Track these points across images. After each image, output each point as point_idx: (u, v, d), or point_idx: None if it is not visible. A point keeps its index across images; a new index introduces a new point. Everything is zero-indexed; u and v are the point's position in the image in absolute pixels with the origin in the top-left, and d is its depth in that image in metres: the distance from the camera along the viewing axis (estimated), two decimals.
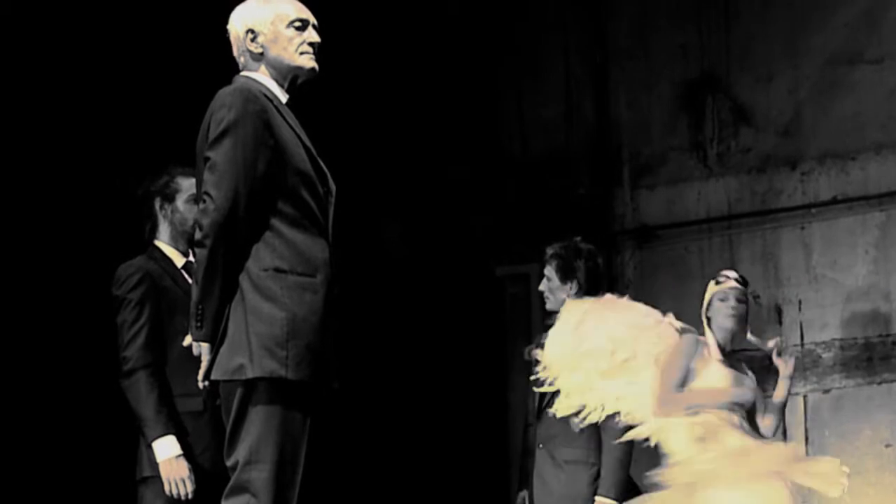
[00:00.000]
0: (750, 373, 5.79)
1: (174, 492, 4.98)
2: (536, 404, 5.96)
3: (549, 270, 6.04)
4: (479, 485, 7.91)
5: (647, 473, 5.48)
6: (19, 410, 6.51)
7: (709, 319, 5.73)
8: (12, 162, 6.59)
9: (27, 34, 6.71)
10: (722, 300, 5.69)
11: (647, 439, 5.49)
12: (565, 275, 5.99)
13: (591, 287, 5.97)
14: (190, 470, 5.01)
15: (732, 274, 5.78)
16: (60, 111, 6.74)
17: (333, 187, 4.23)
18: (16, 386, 6.47)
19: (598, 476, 5.79)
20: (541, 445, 5.90)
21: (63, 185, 6.74)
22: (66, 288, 6.58)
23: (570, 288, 5.97)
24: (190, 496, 5.00)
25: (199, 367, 4.09)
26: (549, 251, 6.09)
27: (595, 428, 5.70)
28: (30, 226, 6.65)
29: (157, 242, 5.23)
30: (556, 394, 5.64)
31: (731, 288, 5.69)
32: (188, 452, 5.03)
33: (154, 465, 5.02)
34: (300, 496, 4.08)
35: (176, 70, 6.82)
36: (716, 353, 5.63)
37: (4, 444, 6.43)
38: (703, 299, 5.85)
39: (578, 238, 6.20)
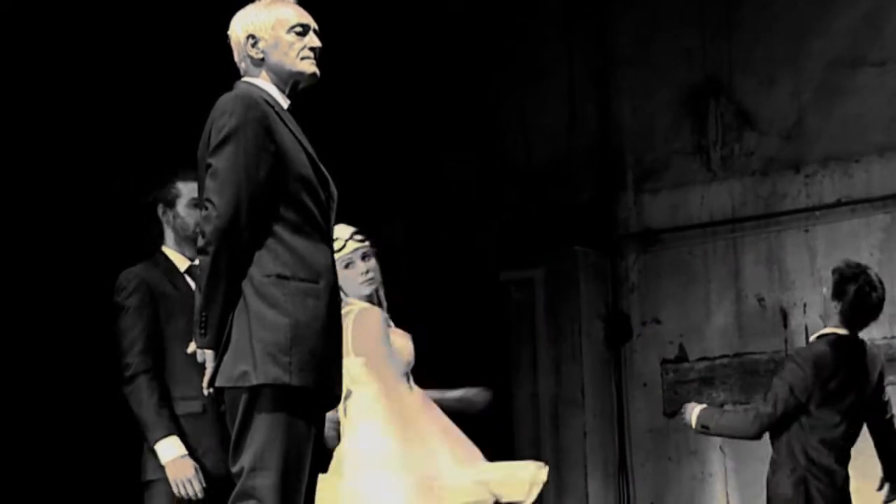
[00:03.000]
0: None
1: (182, 492, 4.99)
2: None
3: None
4: None
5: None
6: (23, 415, 6.51)
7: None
8: (13, 165, 6.59)
9: (28, 36, 6.72)
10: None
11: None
12: None
13: None
14: (196, 469, 5.02)
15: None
16: (62, 115, 6.74)
17: (335, 193, 4.22)
18: (20, 391, 6.48)
19: None
20: None
21: (64, 189, 6.75)
22: (67, 292, 6.59)
23: None
24: (199, 495, 5.00)
25: (199, 370, 4.09)
26: None
27: None
28: (30, 229, 6.65)
29: (164, 248, 5.28)
30: None
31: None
32: (191, 454, 5.04)
33: (158, 468, 5.03)
34: (304, 502, 4.08)
35: (177, 74, 6.82)
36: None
37: (9, 449, 6.43)
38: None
39: None
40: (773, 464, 5.97)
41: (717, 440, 7.95)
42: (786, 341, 7.96)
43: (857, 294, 6.00)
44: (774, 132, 8.14)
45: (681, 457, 8.07)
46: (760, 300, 8.05)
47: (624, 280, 8.43)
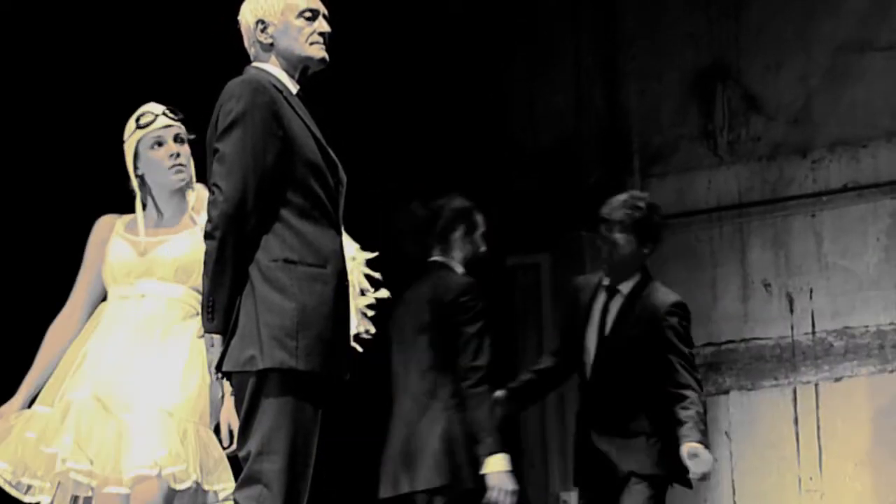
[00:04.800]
0: None
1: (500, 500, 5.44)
2: None
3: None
4: None
5: None
6: None
7: None
8: (13, 165, 6.58)
9: (30, 30, 6.71)
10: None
11: None
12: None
13: None
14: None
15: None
16: (69, 103, 6.74)
17: (344, 178, 4.22)
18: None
19: None
20: None
21: (65, 189, 6.73)
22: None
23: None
24: None
25: None
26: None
27: None
28: (31, 230, 6.64)
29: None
30: None
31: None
32: None
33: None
34: (311, 487, 4.09)
35: (187, 61, 6.82)
36: None
37: None
38: None
39: None
40: None
41: (724, 426, 7.96)
42: (792, 327, 7.95)
43: None
44: (781, 117, 8.13)
45: None
46: (767, 285, 8.04)
47: None
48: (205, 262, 4.07)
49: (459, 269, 5.74)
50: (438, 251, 5.75)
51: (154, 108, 4.72)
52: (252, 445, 4.00)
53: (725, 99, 8.27)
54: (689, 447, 5.58)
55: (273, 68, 4.21)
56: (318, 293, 4.04)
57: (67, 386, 4.52)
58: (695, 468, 5.58)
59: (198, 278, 4.51)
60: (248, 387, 4.02)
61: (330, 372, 4.07)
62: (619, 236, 5.79)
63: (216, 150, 4.06)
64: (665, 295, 5.89)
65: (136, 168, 4.70)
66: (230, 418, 4.36)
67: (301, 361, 3.99)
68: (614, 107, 8.54)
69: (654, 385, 5.76)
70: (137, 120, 4.72)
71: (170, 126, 4.70)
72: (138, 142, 4.69)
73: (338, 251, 4.13)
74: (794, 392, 7.88)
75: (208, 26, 5.55)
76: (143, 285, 4.63)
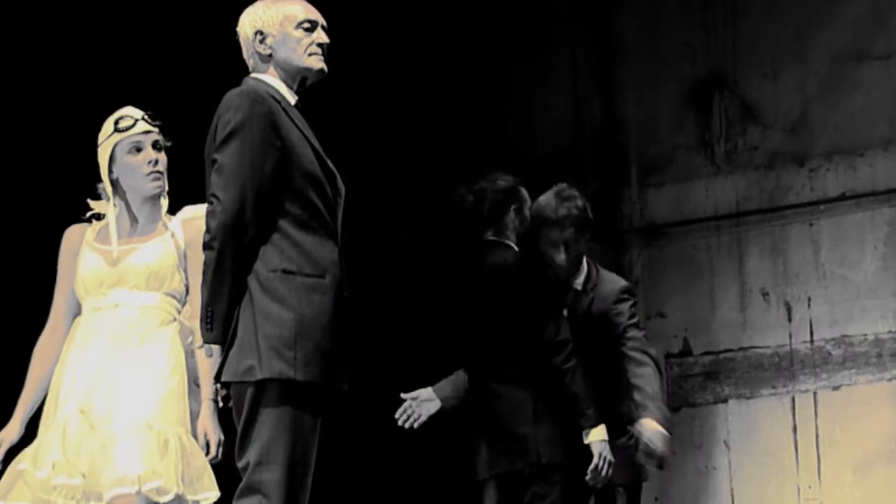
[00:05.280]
0: None
1: (602, 470, 5.32)
2: None
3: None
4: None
5: None
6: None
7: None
8: (14, 165, 6.58)
9: (31, 31, 6.71)
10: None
11: None
12: None
13: None
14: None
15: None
16: (66, 111, 6.73)
17: (342, 189, 4.22)
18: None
19: None
20: None
21: (69, 188, 6.72)
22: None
23: None
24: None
25: None
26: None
27: None
28: (33, 231, 6.63)
29: None
30: None
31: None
32: None
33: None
34: (311, 497, 4.09)
35: (186, 72, 6.82)
36: None
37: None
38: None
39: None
40: None
41: (723, 435, 7.96)
42: (790, 335, 7.96)
43: None
44: (779, 126, 8.14)
45: (685, 450, 8.07)
46: (765, 294, 8.05)
47: (628, 274, 8.41)
48: (203, 273, 4.07)
49: (514, 247, 5.58)
50: (492, 232, 5.58)
51: (133, 112, 4.61)
52: (251, 456, 4.00)
53: (723, 108, 8.28)
54: (648, 424, 5.42)
55: (271, 79, 4.22)
56: (317, 303, 4.05)
57: (59, 407, 4.46)
58: (652, 446, 5.47)
59: (171, 284, 4.54)
60: (247, 397, 4.03)
61: (328, 382, 4.08)
62: (569, 234, 5.67)
63: (214, 161, 4.07)
64: (612, 282, 5.79)
65: (110, 172, 4.58)
66: (206, 427, 4.39)
67: (299, 372, 4.00)
68: (612, 116, 8.55)
69: (618, 376, 5.67)
70: (116, 123, 4.59)
71: (149, 132, 4.58)
72: (115, 145, 4.57)
73: (336, 262, 4.13)
74: (793, 400, 7.88)
75: (207, 37, 5.55)
76: (116, 295, 4.54)
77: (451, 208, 5.67)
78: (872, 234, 7.83)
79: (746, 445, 7.87)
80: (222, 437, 4.44)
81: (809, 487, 7.78)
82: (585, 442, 5.39)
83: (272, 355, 3.99)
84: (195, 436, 4.45)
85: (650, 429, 5.41)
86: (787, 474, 7.81)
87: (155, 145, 4.58)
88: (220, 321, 4.03)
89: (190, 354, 4.58)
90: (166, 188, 4.61)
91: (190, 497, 4.41)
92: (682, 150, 8.36)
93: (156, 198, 4.60)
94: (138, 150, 4.56)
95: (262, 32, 4.22)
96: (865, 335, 7.78)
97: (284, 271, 4.04)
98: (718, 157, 8.28)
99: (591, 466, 5.36)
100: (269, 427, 3.99)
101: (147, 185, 4.57)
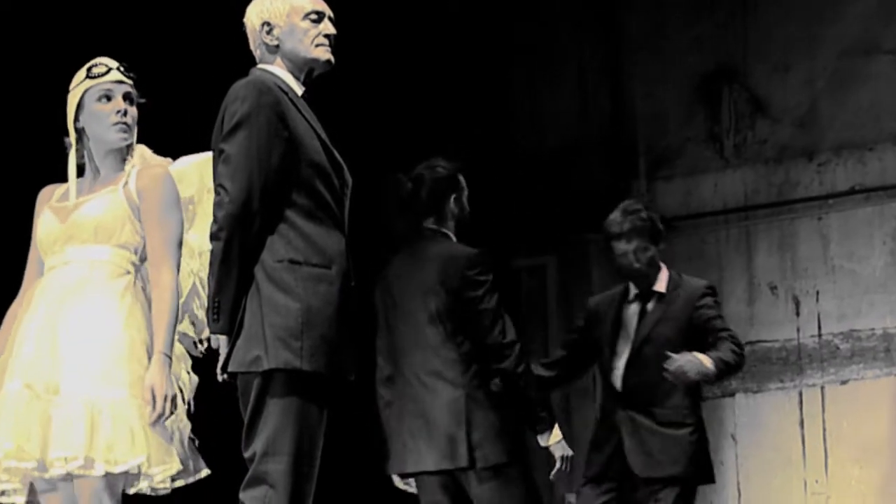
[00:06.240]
0: None
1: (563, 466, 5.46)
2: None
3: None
4: None
5: None
6: None
7: None
8: (15, 165, 6.58)
9: (36, 26, 6.72)
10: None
11: None
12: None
13: None
14: None
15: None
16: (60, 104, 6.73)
17: (349, 180, 4.23)
18: None
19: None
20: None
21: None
22: None
23: None
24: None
25: None
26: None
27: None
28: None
29: None
30: None
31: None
32: None
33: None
34: (317, 488, 4.09)
35: (193, 63, 6.83)
36: None
37: None
38: None
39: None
40: None
41: (730, 428, 7.96)
42: (798, 330, 7.95)
43: None
44: (788, 120, 8.13)
45: None
46: (773, 288, 8.04)
47: None
48: (210, 263, 4.08)
49: (454, 238, 5.44)
50: (432, 220, 5.42)
51: (108, 61, 4.41)
52: (258, 446, 4.01)
53: (731, 102, 8.27)
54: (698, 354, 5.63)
55: (278, 70, 4.22)
56: (323, 294, 4.06)
57: (7, 379, 4.25)
58: (680, 360, 5.60)
59: (121, 236, 4.31)
60: (254, 387, 4.04)
61: (335, 372, 4.08)
62: (636, 244, 5.85)
63: (221, 151, 4.08)
64: (694, 282, 5.99)
65: (76, 120, 4.38)
66: (154, 382, 4.15)
67: (306, 362, 4.00)
68: (620, 110, 8.54)
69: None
70: (89, 70, 4.39)
71: (122, 82, 4.37)
72: (85, 92, 4.36)
73: (342, 252, 4.14)
74: (800, 395, 7.88)
75: (214, 28, 5.56)
76: (69, 252, 4.32)
77: (387, 193, 5.53)
78: (881, 229, 7.82)
79: (753, 439, 7.87)
80: (172, 392, 4.17)
81: (816, 482, 7.77)
82: (543, 445, 5.37)
83: (279, 345, 3.99)
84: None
85: (696, 355, 5.63)
86: (794, 468, 7.81)
87: (126, 97, 4.36)
88: (226, 312, 4.04)
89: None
90: (133, 142, 4.41)
91: (117, 467, 4.12)
92: (691, 144, 8.35)
93: (121, 151, 4.38)
94: (108, 98, 4.35)
95: (269, 23, 4.23)
96: (873, 330, 7.77)
97: (291, 261, 4.05)
98: (727, 150, 8.27)
99: (555, 469, 5.39)
100: (276, 417, 4.00)
101: (113, 135, 4.35)
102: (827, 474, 7.76)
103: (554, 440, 5.40)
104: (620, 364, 5.89)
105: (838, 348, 7.85)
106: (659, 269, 5.96)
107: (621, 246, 5.87)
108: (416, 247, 5.38)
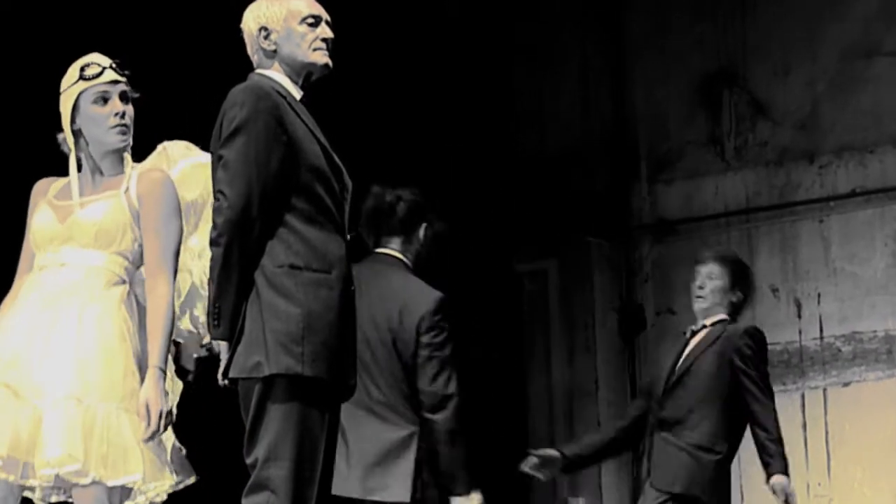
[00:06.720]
0: None
1: None
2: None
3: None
4: (498, 481, 7.90)
5: None
6: None
7: None
8: (15, 165, 6.58)
9: (35, 27, 6.72)
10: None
11: None
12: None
13: None
14: None
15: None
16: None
17: (349, 184, 4.22)
18: None
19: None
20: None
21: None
22: None
23: None
24: None
25: None
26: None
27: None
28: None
29: None
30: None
31: None
32: None
33: None
34: (318, 492, 4.09)
35: (190, 68, 6.83)
36: None
37: None
38: None
39: None
40: None
41: None
42: (800, 332, 7.95)
43: None
44: (789, 122, 8.13)
45: None
46: (775, 290, 8.04)
47: (638, 271, 8.42)
48: (210, 269, 4.07)
49: (411, 266, 5.30)
50: (398, 244, 5.30)
51: (100, 59, 4.31)
52: (259, 452, 4.00)
53: (733, 104, 8.27)
54: (775, 479, 5.93)
55: (276, 74, 4.21)
56: (324, 299, 4.05)
57: None
58: (792, 500, 5.93)
59: (121, 244, 4.24)
60: (255, 393, 4.03)
61: (336, 378, 4.07)
62: (715, 270, 5.98)
63: (220, 157, 4.07)
64: (739, 325, 6.09)
65: (73, 122, 4.29)
66: (148, 397, 4.08)
67: (307, 367, 3.99)
68: (621, 112, 8.54)
69: (727, 409, 5.98)
70: (82, 70, 4.29)
71: (117, 82, 4.28)
72: (80, 94, 4.27)
73: (343, 257, 4.13)
74: (803, 397, 7.87)
75: (211, 33, 5.55)
76: (65, 253, 4.22)
77: (368, 204, 5.38)
78: (882, 231, 7.82)
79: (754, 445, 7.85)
80: (166, 408, 4.10)
81: (819, 484, 7.77)
82: None
83: (280, 351, 3.98)
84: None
85: (782, 482, 5.96)
86: (797, 471, 7.76)
87: (122, 96, 4.29)
88: (227, 317, 4.02)
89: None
90: (131, 142, 4.34)
91: (110, 482, 4.07)
92: (692, 146, 8.36)
93: (119, 152, 4.31)
94: (105, 100, 4.27)
95: (266, 28, 4.22)
96: (875, 332, 7.77)
97: (291, 266, 4.04)
98: (728, 153, 8.27)
99: None
100: (277, 423, 3.99)
101: (112, 137, 4.28)
102: (829, 477, 7.75)
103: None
104: (659, 388, 6.04)
105: (840, 350, 7.84)
106: (724, 309, 6.08)
107: (710, 273, 6.06)
108: (377, 269, 5.26)
